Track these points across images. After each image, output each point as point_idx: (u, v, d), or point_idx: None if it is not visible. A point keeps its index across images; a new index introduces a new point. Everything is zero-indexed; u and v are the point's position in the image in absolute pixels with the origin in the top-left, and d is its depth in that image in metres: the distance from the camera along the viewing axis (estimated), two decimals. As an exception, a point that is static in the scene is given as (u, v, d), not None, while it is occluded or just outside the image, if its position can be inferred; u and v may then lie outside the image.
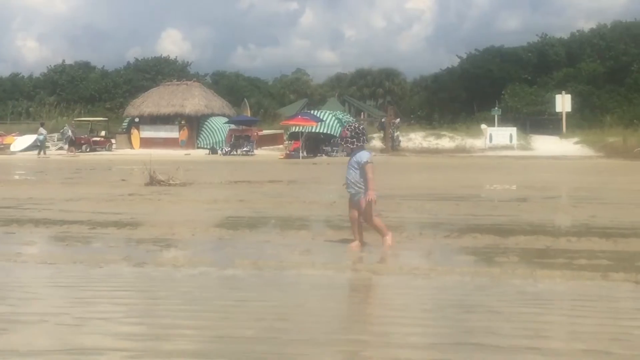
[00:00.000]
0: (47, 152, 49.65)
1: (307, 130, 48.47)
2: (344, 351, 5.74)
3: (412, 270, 8.71)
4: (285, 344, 5.95)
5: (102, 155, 49.87)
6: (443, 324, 6.53)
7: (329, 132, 49.91)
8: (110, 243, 11.25)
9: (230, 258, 9.56)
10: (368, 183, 10.23)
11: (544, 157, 41.17)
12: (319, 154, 47.59)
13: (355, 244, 10.47)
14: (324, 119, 50.21)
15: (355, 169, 10.37)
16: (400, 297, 7.69)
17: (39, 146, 50.03)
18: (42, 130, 51.00)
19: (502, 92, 60.61)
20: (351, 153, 10.53)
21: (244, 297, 7.62)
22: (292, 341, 6.00)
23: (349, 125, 11.10)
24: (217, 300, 7.51)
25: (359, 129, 10.68)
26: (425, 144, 50.88)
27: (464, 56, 72.86)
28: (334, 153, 47.26)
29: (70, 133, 53.11)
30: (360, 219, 10.55)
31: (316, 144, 48.96)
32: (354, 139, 10.47)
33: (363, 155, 10.35)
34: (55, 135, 55.77)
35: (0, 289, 8.14)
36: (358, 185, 10.36)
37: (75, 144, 52.59)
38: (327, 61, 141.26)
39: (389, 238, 10.52)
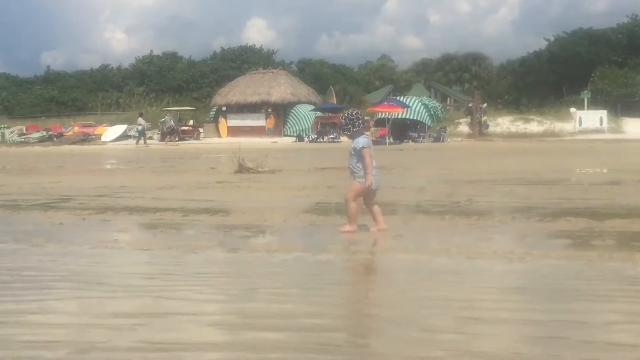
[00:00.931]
0: (140, 142, 50.62)
1: (393, 117, 48.36)
2: (450, 333, 5.70)
3: (506, 254, 8.61)
4: (391, 327, 5.95)
5: (190, 144, 50.62)
6: (544, 307, 6.44)
7: (415, 118, 49.76)
8: (203, 229, 11.39)
9: (323, 243, 9.59)
10: (366, 168, 10.22)
11: (635, 140, 40.32)
12: (405, 140, 47.49)
13: (347, 227, 10.49)
14: (410, 104, 50.08)
15: (352, 155, 10.41)
16: (498, 280, 7.60)
17: (138, 136, 51.21)
18: (141, 120, 52.14)
19: (592, 75, 59.60)
20: (352, 139, 10.53)
21: (342, 281, 7.67)
22: (399, 324, 5.99)
23: (344, 113, 11.07)
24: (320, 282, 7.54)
25: (353, 114, 10.60)
26: (513, 129, 50.38)
27: (552, 39, 72.00)
28: (421, 139, 47.16)
29: (172, 122, 54.17)
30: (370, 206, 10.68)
31: (402, 130, 48.86)
32: (350, 125, 10.45)
33: (359, 141, 10.32)
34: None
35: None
36: (356, 171, 10.38)
37: (175, 133, 53.64)
38: (412, 47, 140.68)
39: (349, 227, 10.51)
